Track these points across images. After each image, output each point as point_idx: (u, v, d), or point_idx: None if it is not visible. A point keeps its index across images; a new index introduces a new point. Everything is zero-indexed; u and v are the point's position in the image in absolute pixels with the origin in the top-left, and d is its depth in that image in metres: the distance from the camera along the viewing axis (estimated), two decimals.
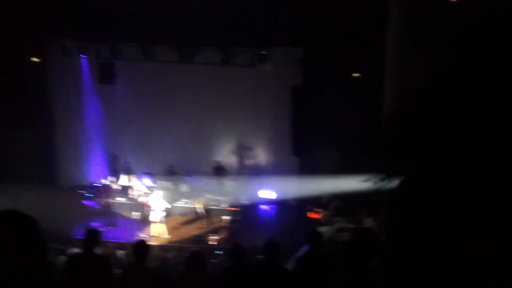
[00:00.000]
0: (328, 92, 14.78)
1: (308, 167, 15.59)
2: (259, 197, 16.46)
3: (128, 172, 16.79)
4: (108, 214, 15.13)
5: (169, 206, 14.35)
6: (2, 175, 14.73)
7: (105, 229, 13.33)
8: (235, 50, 15.56)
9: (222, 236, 14.05)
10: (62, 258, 10.06)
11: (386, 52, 13.45)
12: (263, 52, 15.69)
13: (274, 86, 16.61)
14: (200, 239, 13.51)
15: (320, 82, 15.03)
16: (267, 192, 16.47)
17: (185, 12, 13.98)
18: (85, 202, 15.40)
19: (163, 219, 14.12)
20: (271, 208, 16.38)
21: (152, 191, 15.29)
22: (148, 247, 5.90)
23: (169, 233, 14.13)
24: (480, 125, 1.45)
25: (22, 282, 1.88)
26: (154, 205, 14.05)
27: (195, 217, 15.30)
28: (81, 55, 15.86)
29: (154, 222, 13.93)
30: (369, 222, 10.90)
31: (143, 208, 14.80)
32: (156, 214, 13.93)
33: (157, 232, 13.90)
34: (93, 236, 5.88)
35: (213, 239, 13.72)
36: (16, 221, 1.98)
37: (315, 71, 15.16)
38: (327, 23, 13.87)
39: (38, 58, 15.57)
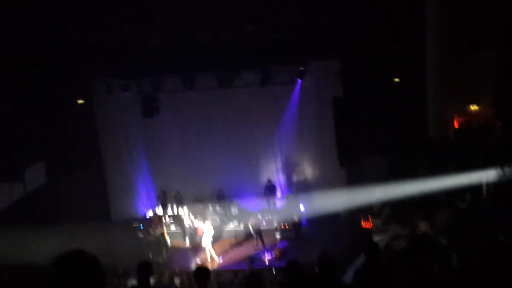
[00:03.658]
0: (369, 100, 14.68)
1: (356, 176, 15.45)
2: (310, 213, 16.34)
3: (178, 201, 16.97)
4: (161, 244, 15.27)
5: (212, 231, 14.38)
6: (58, 216, 15.28)
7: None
8: (273, 69, 15.63)
9: (276, 254, 14.01)
10: None
11: (427, 55, 13.33)
12: (301, 68, 15.71)
13: (315, 100, 16.59)
14: (254, 260, 13.52)
15: (361, 91, 14.94)
16: (317, 207, 16.32)
17: (221, 38, 14.23)
18: (139, 234, 15.61)
19: (212, 244, 14.25)
20: (322, 222, 16.20)
21: (202, 217, 15.45)
22: (209, 272, 5.93)
23: (222, 256, 14.19)
24: None
25: None
26: (204, 231, 14.15)
27: (247, 238, 15.33)
28: (124, 92, 16.23)
29: (206, 247, 14.02)
30: (424, 226, 10.66)
31: (195, 235, 14.92)
32: (207, 239, 14.01)
33: (209, 257, 13.99)
34: (147, 268, 5.95)
35: (267, 258, 13.70)
36: (81, 261, 2.08)
37: (355, 81, 15.09)
38: (363, 33, 13.85)
39: (83, 99, 16.07)
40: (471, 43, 11.74)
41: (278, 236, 15.17)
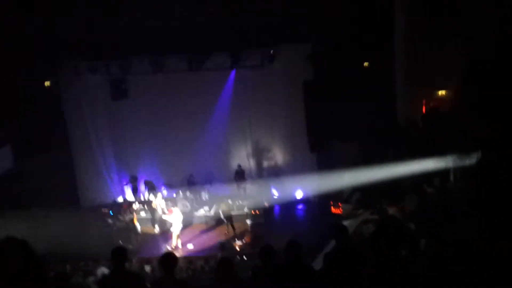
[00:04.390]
0: (340, 85, 14.72)
1: (326, 162, 15.53)
2: (280, 198, 16.43)
3: (149, 186, 16.81)
4: (131, 230, 15.14)
5: (180, 218, 14.28)
6: (26, 201, 14.96)
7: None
8: (243, 53, 15.52)
9: (247, 241, 14.04)
10: (91, 279, 10.16)
11: (395, 39, 13.40)
12: (271, 51, 15.63)
13: (285, 84, 16.52)
14: (225, 246, 13.52)
15: (331, 76, 14.96)
16: (287, 192, 16.42)
17: (190, 20, 14.02)
18: (108, 220, 15.45)
19: (182, 230, 14.23)
20: (292, 207, 16.32)
21: (172, 202, 15.36)
22: (176, 258, 5.89)
23: (193, 243, 14.16)
24: None
25: None
26: (173, 218, 14.09)
27: (218, 224, 15.32)
28: (92, 74, 15.90)
29: (174, 234, 13.98)
30: (392, 211, 10.81)
31: (164, 221, 14.83)
32: (175, 226, 13.97)
33: (178, 243, 13.96)
34: (122, 254, 5.88)
35: (238, 244, 13.72)
36: (12, 248, 2.06)
37: (325, 65, 15.10)
38: (334, 17, 13.84)
39: (50, 81, 15.74)
40: (438, 30, 11.85)
41: (248, 222, 15.15)
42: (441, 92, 13.21)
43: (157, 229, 15.20)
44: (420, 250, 4.78)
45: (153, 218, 15.41)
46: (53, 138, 16.05)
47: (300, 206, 16.29)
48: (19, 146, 15.06)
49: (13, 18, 13.26)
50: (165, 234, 14.65)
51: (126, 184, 17.27)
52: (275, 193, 16.74)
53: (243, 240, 13.98)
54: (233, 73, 16.36)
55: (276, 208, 16.24)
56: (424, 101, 13.66)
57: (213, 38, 14.51)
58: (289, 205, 16.29)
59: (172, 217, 14.13)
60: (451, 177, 10.76)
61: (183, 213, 14.55)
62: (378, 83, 14.10)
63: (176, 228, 13.97)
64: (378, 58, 14.26)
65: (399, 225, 3.46)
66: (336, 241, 6.22)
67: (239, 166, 17.22)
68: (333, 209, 14.15)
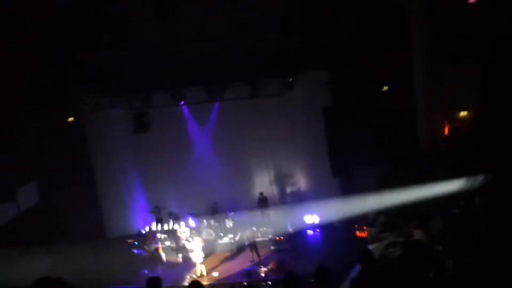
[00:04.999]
0: (360, 110, 14.74)
1: (349, 186, 15.48)
2: (305, 223, 16.35)
3: (172, 216, 16.93)
4: (156, 259, 15.22)
5: (201, 246, 14.25)
6: (52, 235, 15.15)
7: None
8: (262, 82, 15.68)
9: (272, 267, 13.96)
10: None
11: (413, 64, 13.41)
12: (290, 80, 15.77)
13: (305, 111, 16.64)
14: (250, 273, 13.47)
15: (351, 101, 15.00)
16: (312, 217, 16.35)
17: (209, 52, 14.27)
18: (134, 250, 15.56)
19: (206, 258, 14.26)
20: (318, 232, 16.23)
21: (196, 231, 15.41)
22: (202, 286, 5.94)
23: (218, 270, 14.14)
24: None
25: None
26: (194, 246, 14.14)
27: (243, 251, 15.31)
28: (114, 108, 16.24)
29: (197, 263, 14.00)
30: (418, 234, 10.68)
31: (187, 249, 14.88)
32: (197, 255, 14.00)
33: (203, 272, 13.97)
34: (156, 284, 5.95)
35: (263, 270, 13.65)
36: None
37: (345, 90, 15.16)
38: (351, 42, 13.94)
39: (74, 117, 16.12)
40: (456, 55, 11.87)
41: (273, 248, 15.13)
42: (463, 113, 13.14)
43: (180, 258, 15.23)
44: (447, 272, 4.74)
45: (178, 247, 15.47)
46: (78, 172, 16.36)
47: (324, 231, 16.17)
48: (46, 181, 15.35)
49: (36, 56, 13.68)
50: (190, 262, 14.66)
51: (150, 214, 17.36)
52: (299, 218, 16.67)
53: (268, 267, 13.90)
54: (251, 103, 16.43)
55: (301, 234, 16.14)
56: (446, 123, 13.60)
57: (231, 69, 14.71)
58: (313, 231, 16.20)
59: (193, 245, 14.18)
60: (477, 198, 10.61)
61: (208, 241, 14.59)
62: (398, 106, 14.10)
63: (197, 256, 14.00)
64: (397, 82, 14.28)
65: (425, 248, 3.47)
66: (361, 266, 6.19)
67: (261, 193, 17.24)
68: (358, 233, 14.03)
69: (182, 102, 16.23)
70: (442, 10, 12.27)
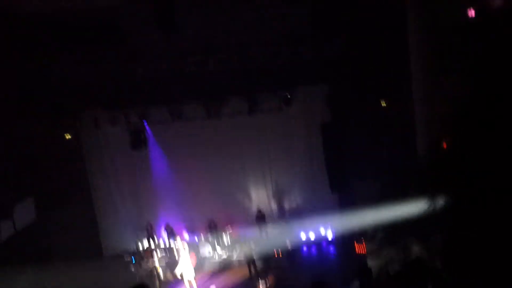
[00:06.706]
0: (358, 125, 14.76)
1: (348, 201, 15.48)
2: (303, 239, 16.26)
3: (169, 233, 16.82)
4: (154, 276, 15.01)
5: (192, 263, 14.17)
6: (49, 253, 15.07)
7: None
8: (259, 97, 15.69)
9: (270, 283, 13.86)
10: None
11: (412, 79, 13.43)
12: (288, 94, 15.79)
13: (303, 126, 16.66)
14: None
15: (349, 116, 15.02)
16: (310, 233, 16.27)
17: (206, 67, 14.31)
18: (131, 268, 15.45)
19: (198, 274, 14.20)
20: (316, 248, 16.13)
21: (193, 247, 15.29)
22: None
23: (216, 286, 14.04)
24: None
25: None
26: (185, 264, 14.03)
27: (241, 268, 15.20)
28: (112, 125, 16.15)
29: (186, 279, 13.91)
30: (417, 249, 10.61)
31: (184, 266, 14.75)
32: (188, 271, 13.92)
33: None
34: None
35: (261, 286, 13.55)
36: None
37: (343, 106, 15.20)
38: (349, 57, 13.98)
39: (71, 134, 16.11)
40: (456, 69, 11.88)
41: (271, 264, 15.03)
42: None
43: (178, 275, 15.08)
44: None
45: (175, 263, 15.31)
46: (75, 189, 16.28)
47: (323, 247, 16.08)
48: (42, 198, 15.28)
49: (31, 71, 13.69)
50: (186, 279, 14.52)
51: (146, 231, 17.22)
52: (297, 234, 16.58)
53: (266, 282, 13.80)
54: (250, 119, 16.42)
55: (299, 249, 16.04)
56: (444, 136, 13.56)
57: (228, 84, 14.73)
58: (311, 246, 16.11)
59: (187, 262, 14.07)
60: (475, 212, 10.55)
61: (205, 257, 14.47)
62: (397, 121, 14.11)
63: (189, 272, 13.89)
64: (396, 96, 14.30)
65: (423, 266, 3.43)
66: (360, 282, 6.14)
67: (259, 210, 17.19)
68: (357, 249, 13.96)
69: (180, 118, 16.19)
70: (442, 24, 12.32)
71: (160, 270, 15.13)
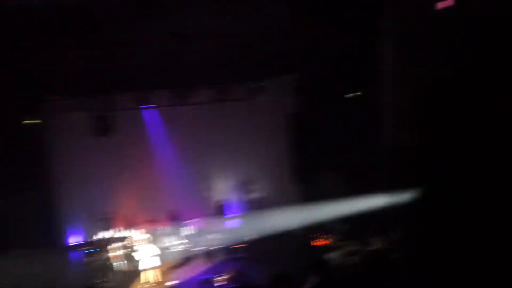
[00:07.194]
0: (323, 117, 14.73)
1: (311, 194, 15.51)
2: (263, 230, 16.18)
3: (126, 223, 16.53)
4: (108, 268, 14.74)
5: (154, 254, 13.92)
6: (4, 243, 14.55)
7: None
8: (228, 86, 15.52)
9: (228, 276, 13.72)
10: None
11: (381, 71, 13.39)
12: (256, 85, 15.74)
13: (269, 116, 16.65)
14: (205, 282, 13.18)
15: (315, 107, 14.98)
16: (271, 224, 16.19)
17: (175, 54, 14.00)
18: (85, 259, 15.12)
19: (155, 265, 13.86)
20: (277, 240, 16.05)
21: (150, 239, 15.02)
22: None
23: (174, 279, 13.76)
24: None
25: None
26: (144, 253, 13.79)
27: (199, 259, 14.99)
28: (75, 111, 15.76)
29: (145, 270, 13.65)
30: (377, 242, 10.66)
31: (140, 257, 14.48)
32: (146, 261, 13.66)
33: (148, 279, 13.61)
34: None
35: (219, 279, 13.38)
36: None
37: (309, 97, 15.17)
38: (318, 47, 13.87)
39: (33, 119, 15.62)
40: (427, 60, 11.86)
41: (231, 256, 14.93)
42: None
43: (134, 266, 14.81)
44: (406, 281, 4.60)
45: (130, 255, 15.04)
46: (32, 178, 15.70)
47: (283, 240, 16.02)
48: None
49: None
50: (143, 271, 14.26)
51: (102, 222, 16.82)
52: (258, 226, 16.52)
53: (225, 275, 13.64)
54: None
55: (259, 242, 15.94)
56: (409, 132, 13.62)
57: (197, 73, 14.47)
58: (272, 238, 16.01)
59: (143, 252, 13.82)
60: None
61: (161, 249, 14.23)
62: (363, 114, 14.10)
63: (146, 264, 13.64)
64: (363, 89, 14.30)
65: (383, 256, 3.35)
66: (317, 275, 6.03)
67: (219, 201, 17.13)
68: (318, 241, 13.97)
69: (145, 105, 15.91)
70: (415, 14, 12.28)
71: (114, 262, 14.80)
